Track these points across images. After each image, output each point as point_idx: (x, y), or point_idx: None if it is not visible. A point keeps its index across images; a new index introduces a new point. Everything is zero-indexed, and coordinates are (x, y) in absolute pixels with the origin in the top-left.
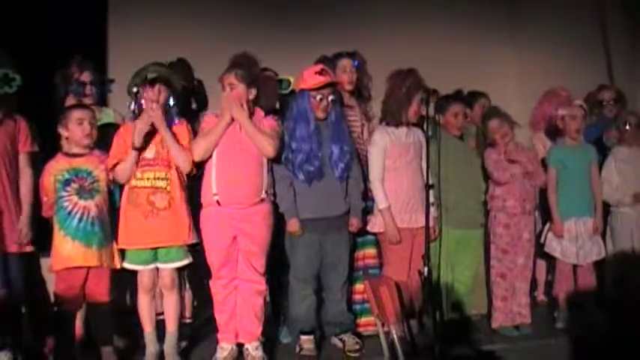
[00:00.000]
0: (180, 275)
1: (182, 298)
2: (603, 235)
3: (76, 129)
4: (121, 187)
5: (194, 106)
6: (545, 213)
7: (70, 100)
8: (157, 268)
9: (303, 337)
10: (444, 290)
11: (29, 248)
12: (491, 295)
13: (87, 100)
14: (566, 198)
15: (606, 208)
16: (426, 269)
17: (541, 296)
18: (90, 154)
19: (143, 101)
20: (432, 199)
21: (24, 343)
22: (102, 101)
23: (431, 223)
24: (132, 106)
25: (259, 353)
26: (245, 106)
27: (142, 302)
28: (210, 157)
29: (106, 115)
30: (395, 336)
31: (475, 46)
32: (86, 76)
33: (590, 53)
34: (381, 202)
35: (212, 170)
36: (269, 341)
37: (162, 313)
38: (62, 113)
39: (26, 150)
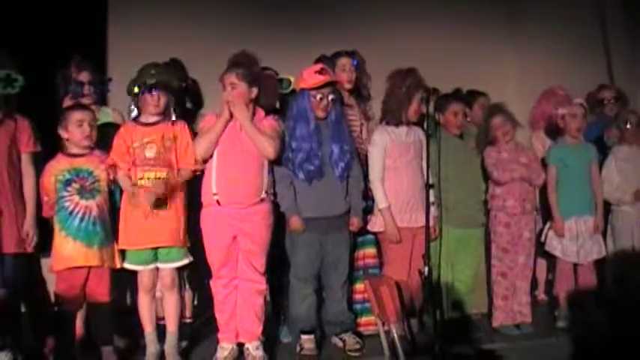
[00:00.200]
0: (180, 275)
1: (182, 298)
2: (604, 234)
3: (75, 130)
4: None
5: (188, 105)
6: (546, 212)
7: (69, 101)
8: (157, 268)
9: (304, 337)
10: (444, 289)
11: (30, 249)
12: (492, 294)
13: (86, 100)
14: (567, 197)
15: (607, 207)
16: (426, 268)
17: (541, 295)
18: (90, 154)
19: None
20: (432, 199)
21: (24, 343)
22: (102, 101)
23: (431, 223)
24: (132, 111)
25: (260, 353)
26: (240, 105)
27: (142, 302)
28: (211, 156)
29: (105, 115)
30: (395, 335)
31: (475, 46)
32: (84, 76)
33: (590, 53)
34: (381, 201)
35: (212, 170)
36: (269, 341)
37: (162, 318)
38: (62, 114)
39: (29, 150)
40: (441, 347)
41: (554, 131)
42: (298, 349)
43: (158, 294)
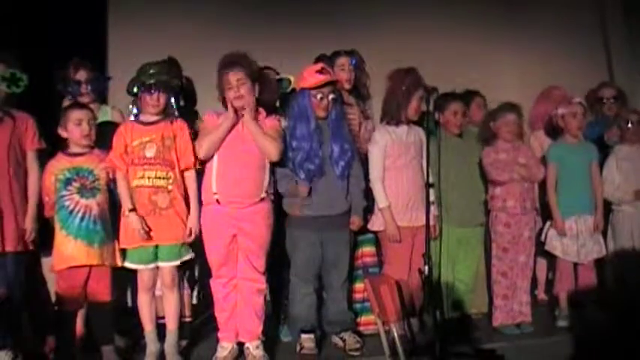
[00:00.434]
0: (179, 274)
1: (181, 297)
2: (605, 234)
3: (74, 129)
4: None
5: (182, 103)
6: (546, 211)
7: (68, 101)
8: (157, 267)
9: (304, 336)
10: (444, 289)
11: (32, 247)
12: (492, 294)
13: (84, 99)
14: (567, 196)
15: (608, 206)
16: (426, 268)
17: (542, 295)
18: (90, 153)
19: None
20: (432, 198)
21: (24, 343)
22: (101, 99)
23: (431, 222)
24: (132, 111)
25: (260, 352)
26: (250, 107)
27: (143, 301)
28: (212, 156)
29: (104, 114)
30: (395, 334)
31: (475, 46)
32: (81, 75)
33: (590, 53)
34: (381, 201)
35: (212, 169)
36: (269, 340)
37: (162, 317)
38: (61, 114)
39: (34, 147)
40: (441, 347)
41: (554, 131)
42: (298, 348)
43: (158, 293)
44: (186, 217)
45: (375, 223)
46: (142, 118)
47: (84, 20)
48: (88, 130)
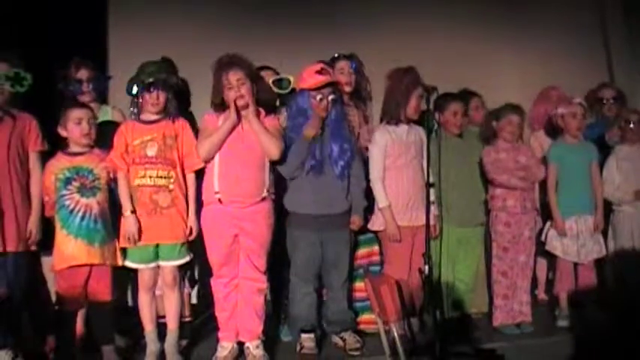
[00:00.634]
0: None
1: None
2: (605, 234)
3: (74, 129)
4: None
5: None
6: (545, 211)
7: (68, 100)
8: (158, 266)
9: (304, 336)
10: (444, 288)
11: (34, 248)
12: (492, 294)
13: (84, 98)
14: (567, 196)
15: (608, 206)
16: (426, 268)
17: (542, 295)
18: (90, 152)
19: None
20: (432, 198)
21: (25, 342)
22: (102, 99)
23: (431, 222)
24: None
25: (260, 352)
26: (253, 104)
27: (143, 301)
28: (213, 157)
29: (105, 113)
30: (396, 334)
31: (475, 46)
32: (83, 74)
33: (590, 53)
34: (381, 200)
35: (214, 168)
36: (270, 340)
37: (162, 317)
38: (61, 113)
39: (37, 148)
40: (441, 346)
41: (554, 131)
42: (298, 348)
43: (158, 292)
44: (186, 217)
45: (375, 223)
46: (143, 117)
47: (84, 20)
48: (87, 129)
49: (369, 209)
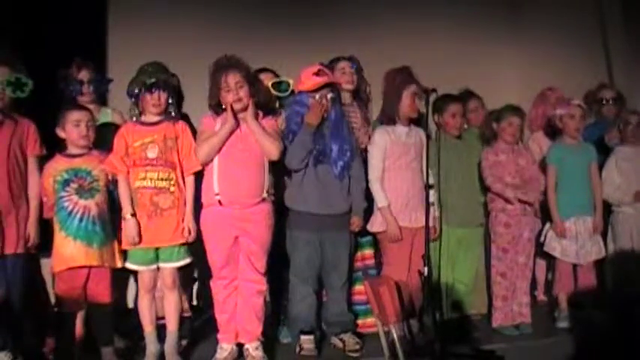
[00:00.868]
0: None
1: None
2: (604, 235)
3: (72, 130)
4: None
5: None
6: (544, 213)
7: (67, 101)
8: (158, 268)
9: (304, 337)
10: (444, 290)
11: (33, 251)
12: (491, 295)
13: (85, 99)
14: (566, 197)
15: (607, 207)
16: (426, 269)
17: (541, 296)
18: (89, 154)
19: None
20: (432, 199)
21: (24, 344)
22: (102, 101)
23: (431, 223)
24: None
25: (259, 353)
26: (252, 106)
27: (143, 302)
28: (212, 160)
29: (105, 115)
30: (395, 336)
31: (475, 46)
32: (84, 75)
33: (589, 54)
34: (380, 200)
35: (213, 170)
36: (269, 341)
37: (162, 318)
38: (60, 114)
39: (35, 153)
40: (440, 347)
41: (553, 132)
42: (298, 349)
43: (158, 294)
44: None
45: (375, 224)
46: (144, 118)
47: (84, 21)
48: (86, 131)
49: (368, 211)
